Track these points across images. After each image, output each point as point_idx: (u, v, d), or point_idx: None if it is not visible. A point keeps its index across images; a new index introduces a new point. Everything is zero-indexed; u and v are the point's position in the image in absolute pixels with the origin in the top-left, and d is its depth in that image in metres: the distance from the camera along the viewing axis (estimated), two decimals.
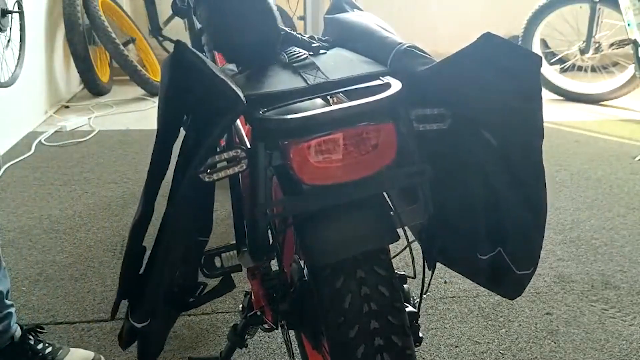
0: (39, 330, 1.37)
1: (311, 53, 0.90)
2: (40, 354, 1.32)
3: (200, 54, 0.71)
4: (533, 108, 0.73)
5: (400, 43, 0.83)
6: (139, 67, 3.65)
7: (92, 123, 3.20)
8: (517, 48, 0.73)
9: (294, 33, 0.95)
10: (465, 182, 0.81)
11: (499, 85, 0.73)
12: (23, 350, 1.31)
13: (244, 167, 0.75)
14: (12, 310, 1.29)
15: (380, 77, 0.81)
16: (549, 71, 3.66)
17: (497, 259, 0.84)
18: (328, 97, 0.90)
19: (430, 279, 0.90)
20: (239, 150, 0.74)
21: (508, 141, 0.75)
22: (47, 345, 1.35)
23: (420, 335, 0.90)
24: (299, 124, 0.71)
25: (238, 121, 0.99)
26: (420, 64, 0.78)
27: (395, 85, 0.77)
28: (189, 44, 2.18)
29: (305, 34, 1.01)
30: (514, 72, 0.72)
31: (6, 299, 1.26)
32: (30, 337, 1.34)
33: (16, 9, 2.66)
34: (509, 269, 0.83)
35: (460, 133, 0.78)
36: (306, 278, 0.89)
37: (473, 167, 0.79)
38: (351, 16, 1.02)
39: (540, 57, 0.74)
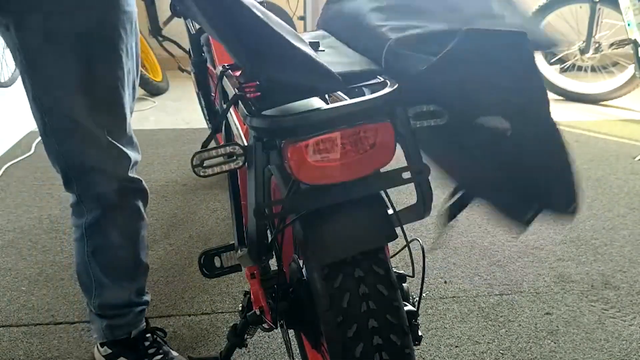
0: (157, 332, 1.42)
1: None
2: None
3: None
4: (533, 79, 0.73)
5: (389, 39, 0.82)
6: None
7: None
8: (498, 35, 0.73)
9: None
10: (489, 154, 0.81)
11: (496, 72, 0.73)
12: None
13: (240, 163, 0.75)
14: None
15: (379, 76, 0.81)
16: (549, 71, 3.67)
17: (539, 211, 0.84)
18: (326, 95, 0.90)
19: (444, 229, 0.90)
20: (236, 147, 0.75)
21: (517, 114, 0.75)
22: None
23: (420, 334, 0.90)
24: (296, 123, 0.71)
25: (236, 119, 0.99)
26: (412, 60, 0.77)
27: (392, 84, 0.77)
28: (188, 44, 2.19)
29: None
30: (506, 60, 0.72)
31: None
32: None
33: None
34: (557, 213, 0.83)
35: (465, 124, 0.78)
36: (305, 277, 0.89)
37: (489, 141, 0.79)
38: (348, 4, 1.01)
39: (525, 33, 0.73)
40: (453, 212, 0.89)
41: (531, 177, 0.81)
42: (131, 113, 1.19)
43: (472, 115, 0.77)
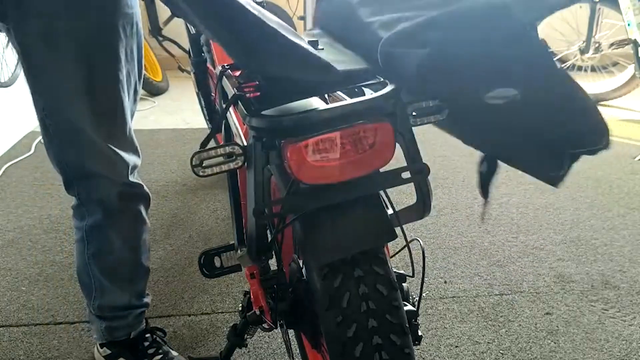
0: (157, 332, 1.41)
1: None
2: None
3: None
4: (527, 44, 0.71)
5: (380, 38, 0.81)
6: None
7: None
8: (478, 11, 0.71)
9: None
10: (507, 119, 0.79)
11: (487, 48, 0.72)
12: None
13: (240, 163, 0.75)
14: None
15: (378, 76, 0.81)
16: None
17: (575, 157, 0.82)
18: (326, 95, 0.90)
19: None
20: (235, 147, 0.75)
21: (522, 78, 0.73)
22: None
23: (420, 334, 0.90)
24: (296, 123, 0.71)
25: (236, 119, 0.99)
26: (406, 58, 0.76)
27: (392, 84, 0.77)
28: (188, 44, 2.19)
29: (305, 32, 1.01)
30: (494, 33, 0.71)
31: None
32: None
33: None
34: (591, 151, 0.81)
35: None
36: (305, 277, 0.89)
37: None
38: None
39: (506, 4, 0.72)
40: (485, 180, 0.87)
41: (554, 127, 0.78)
42: (132, 116, 1.18)
43: (478, 94, 0.76)
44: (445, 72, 0.74)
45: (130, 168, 1.19)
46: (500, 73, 0.73)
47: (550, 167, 0.82)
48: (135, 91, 1.18)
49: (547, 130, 0.79)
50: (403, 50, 0.77)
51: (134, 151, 1.21)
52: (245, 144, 0.77)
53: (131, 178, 1.20)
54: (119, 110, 1.12)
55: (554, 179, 0.83)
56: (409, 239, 0.84)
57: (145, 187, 1.26)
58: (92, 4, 1.01)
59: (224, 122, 1.07)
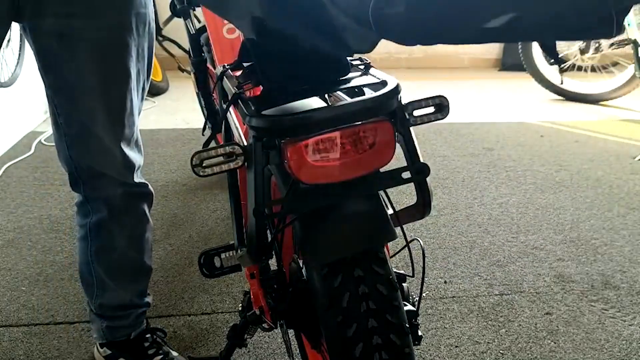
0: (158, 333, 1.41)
1: None
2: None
3: None
4: None
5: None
6: None
7: None
8: None
9: None
10: None
11: None
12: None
13: (240, 163, 0.75)
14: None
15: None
16: (548, 71, 3.66)
17: None
18: (326, 95, 0.90)
19: None
20: (235, 147, 0.75)
21: None
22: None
23: (420, 334, 0.90)
24: (296, 123, 0.71)
25: (235, 118, 0.99)
26: (399, 16, 0.71)
27: (392, 83, 0.77)
28: (188, 44, 2.19)
29: None
30: None
31: None
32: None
33: None
34: None
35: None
36: (305, 277, 0.89)
37: None
38: None
39: None
40: (551, 56, 0.82)
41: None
42: (139, 115, 1.19)
43: (480, 26, 0.71)
44: (441, 15, 0.68)
45: (135, 168, 1.19)
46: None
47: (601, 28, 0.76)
48: (143, 89, 1.18)
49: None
50: (393, 10, 0.70)
51: (139, 151, 1.22)
52: (246, 143, 0.77)
53: (136, 178, 1.20)
54: (129, 108, 1.12)
55: (609, 33, 0.77)
56: (409, 239, 0.84)
57: (149, 186, 1.26)
58: (108, 3, 1.01)
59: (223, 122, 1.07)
